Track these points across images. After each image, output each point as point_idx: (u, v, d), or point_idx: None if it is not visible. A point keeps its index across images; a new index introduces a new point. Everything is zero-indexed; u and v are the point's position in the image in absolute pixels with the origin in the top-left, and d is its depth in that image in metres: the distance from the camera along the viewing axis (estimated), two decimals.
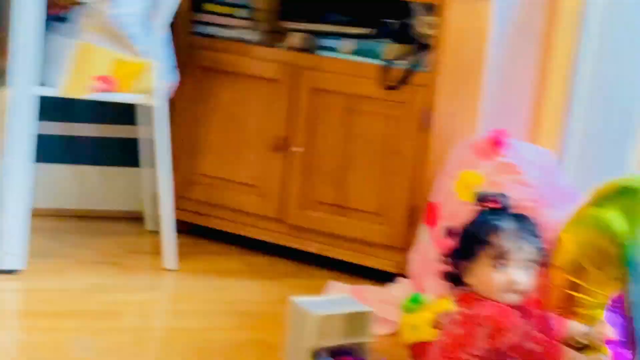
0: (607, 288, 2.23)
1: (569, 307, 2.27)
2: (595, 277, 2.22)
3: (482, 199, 2.18)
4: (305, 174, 3.21)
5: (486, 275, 2.08)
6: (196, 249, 3.37)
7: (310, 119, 3.18)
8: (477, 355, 2.05)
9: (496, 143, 2.72)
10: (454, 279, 2.18)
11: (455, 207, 2.73)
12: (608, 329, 2.15)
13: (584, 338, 2.14)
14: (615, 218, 2.10)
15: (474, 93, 3.19)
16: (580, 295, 2.24)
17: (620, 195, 2.13)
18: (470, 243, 2.11)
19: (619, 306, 2.30)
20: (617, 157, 3.34)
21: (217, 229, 3.41)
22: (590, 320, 2.22)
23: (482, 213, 2.16)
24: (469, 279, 2.12)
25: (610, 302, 2.27)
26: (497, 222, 2.09)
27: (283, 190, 3.26)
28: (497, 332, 2.02)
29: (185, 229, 3.45)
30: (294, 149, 3.20)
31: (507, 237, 2.07)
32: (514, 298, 2.08)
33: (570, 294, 2.27)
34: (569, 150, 3.27)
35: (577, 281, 2.23)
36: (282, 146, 3.22)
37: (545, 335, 2.13)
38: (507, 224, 2.09)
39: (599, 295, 2.24)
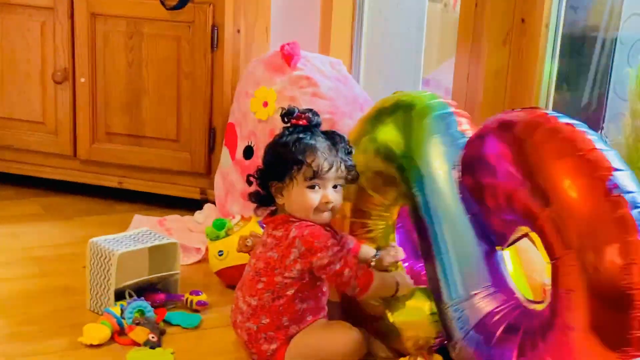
0: (391, 209, 2.24)
1: (359, 233, 2.28)
2: (377, 200, 2.22)
3: (289, 114, 2.09)
4: (94, 105, 3.05)
5: (300, 195, 2.04)
6: None
7: (93, 47, 3.00)
8: (290, 277, 2.02)
9: (289, 57, 2.66)
10: (262, 199, 2.12)
11: (254, 126, 2.67)
12: (397, 250, 2.18)
13: (374, 261, 2.17)
14: (391, 138, 2.10)
15: (262, 8, 3.10)
16: (366, 220, 2.25)
17: (396, 110, 2.12)
18: (283, 162, 2.04)
19: (406, 223, 2.33)
20: (406, 65, 3.40)
21: (5, 172, 3.20)
22: (381, 242, 2.24)
23: (291, 131, 2.07)
24: (281, 199, 2.07)
25: (397, 222, 2.29)
26: (311, 142, 2.03)
27: (72, 124, 3.08)
28: (309, 252, 1.99)
29: None
30: (80, 79, 3.02)
31: (321, 156, 2.02)
32: (326, 217, 2.06)
33: (357, 221, 2.29)
34: (359, 60, 3.28)
35: (362, 207, 2.23)
36: (66, 78, 3.03)
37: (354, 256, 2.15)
38: (321, 143, 2.04)
39: (384, 217, 2.25)
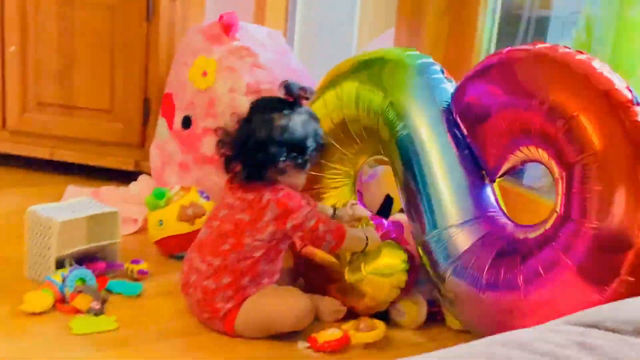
0: (353, 164, 2.28)
1: (314, 187, 2.31)
2: (340, 155, 2.25)
3: (295, 89, 2.10)
4: (24, 74, 2.99)
5: (298, 176, 2.10)
6: None
7: (23, 14, 2.94)
8: (260, 239, 2.04)
9: (227, 27, 2.65)
10: (253, 171, 2.07)
11: (192, 96, 2.65)
12: (355, 208, 2.22)
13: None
14: (370, 87, 2.14)
15: None
16: (326, 174, 2.28)
17: (363, 68, 2.15)
18: (305, 143, 2.07)
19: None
20: (340, 39, 3.42)
21: None
22: (341, 198, 2.28)
23: (298, 108, 2.09)
24: (281, 177, 2.07)
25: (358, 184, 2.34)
26: (318, 124, 2.12)
27: (1, 94, 3.01)
28: (283, 214, 2.02)
29: None
30: (9, 48, 2.95)
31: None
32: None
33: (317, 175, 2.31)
34: (294, 31, 3.29)
35: (323, 161, 2.26)
36: None
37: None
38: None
39: (345, 172, 2.28)
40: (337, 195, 2.30)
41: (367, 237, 2.12)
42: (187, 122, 2.68)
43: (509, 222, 1.99)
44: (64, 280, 2.16)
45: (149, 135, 2.95)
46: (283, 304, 2.07)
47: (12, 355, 1.90)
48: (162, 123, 2.80)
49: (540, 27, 2.57)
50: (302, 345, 2.05)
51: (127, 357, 1.95)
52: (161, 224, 2.45)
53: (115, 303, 2.18)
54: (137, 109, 2.95)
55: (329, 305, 2.18)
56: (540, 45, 1.90)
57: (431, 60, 2.14)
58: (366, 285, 2.14)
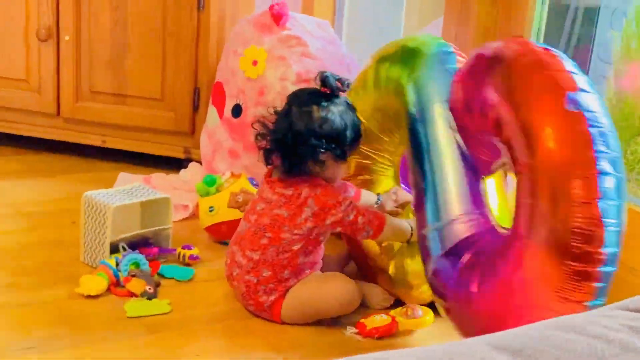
0: (396, 153, 2.30)
1: (361, 175, 2.33)
2: (383, 143, 2.27)
3: (330, 81, 2.08)
4: (78, 63, 3.05)
5: (338, 168, 2.11)
6: None
7: (78, 4, 3.00)
8: (298, 234, 2.06)
9: (278, 17, 2.69)
10: (293, 167, 2.08)
11: (242, 84, 2.69)
12: (399, 194, 2.24)
13: (376, 207, 2.25)
14: (398, 74, 2.14)
15: None
16: (369, 161, 2.30)
17: (402, 54, 2.16)
18: (344, 136, 2.07)
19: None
20: (387, 29, 3.43)
21: None
22: (382, 187, 2.30)
23: (337, 100, 2.09)
24: (320, 167, 2.07)
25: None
26: (359, 120, 2.11)
27: (56, 82, 3.08)
28: (322, 211, 2.04)
29: None
30: (64, 37, 3.02)
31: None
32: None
33: (361, 162, 2.33)
34: (342, 21, 3.31)
35: (366, 148, 2.28)
36: (50, 35, 3.03)
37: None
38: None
39: (388, 160, 2.30)
40: (382, 181, 2.32)
41: (412, 227, 2.13)
42: (237, 110, 2.72)
43: (494, 220, 1.94)
44: (118, 265, 2.22)
45: (199, 123, 3.00)
46: (327, 289, 2.09)
47: (69, 337, 1.96)
48: (212, 111, 2.84)
49: (589, 17, 2.56)
50: (349, 330, 2.07)
51: (180, 339, 2.00)
52: (212, 210, 2.49)
53: (167, 287, 2.23)
54: (188, 97, 3.00)
55: (378, 293, 2.20)
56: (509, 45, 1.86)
57: (452, 49, 2.11)
58: (412, 279, 2.15)
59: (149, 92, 3.03)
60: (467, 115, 1.92)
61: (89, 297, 2.13)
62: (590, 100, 1.71)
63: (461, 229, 1.91)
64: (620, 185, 1.68)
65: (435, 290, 1.94)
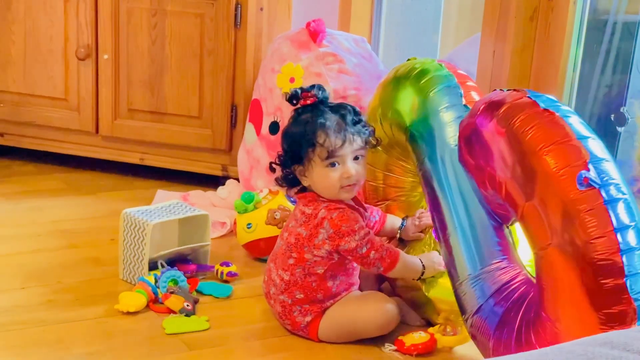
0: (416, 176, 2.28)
1: (385, 200, 2.33)
2: (403, 168, 2.26)
3: (295, 97, 2.09)
4: (116, 81, 3.07)
5: (321, 176, 2.04)
6: (8, 171, 3.20)
7: (116, 23, 3.02)
8: (319, 255, 2.05)
9: (315, 34, 2.70)
10: (290, 182, 2.13)
11: (280, 102, 2.70)
12: (422, 218, 2.21)
13: (399, 233, 2.24)
14: (402, 108, 2.12)
15: None
16: (393, 187, 2.29)
17: (414, 76, 2.13)
18: (298, 146, 2.04)
19: None
20: (424, 45, 3.43)
21: (29, 148, 3.23)
22: (408, 210, 2.28)
23: (301, 111, 2.08)
24: (306, 181, 2.09)
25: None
26: (320, 121, 2.02)
27: (94, 101, 3.11)
28: (336, 236, 2.02)
29: None
30: (102, 56, 3.05)
31: (332, 134, 2.01)
32: (350, 194, 2.07)
33: (384, 187, 2.33)
34: (378, 37, 3.31)
35: (388, 173, 2.27)
36: (89, 54, 3.06)
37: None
38: (329, 120, 2.03)
39: (410, 183, 2.29)
40: (410, 204, 2.30)
41: (423, 265, 2.09)
42: (274, 128, 2.73)
43: (524, 267, 1.92)
44: (156, 281, 2.23)
45: (236, 140, 3.01)
46: (366, 310, 2.07)
47: (109, 353, 1.97)
48: (249, 128, 2.85)
49: (627, 32, 2.54)
50: (388, 348, 2.06)
51: (218, 356, 2.00)
52: (249, 227, 2.50)
53: (205, 304, 2.24)
54: (225, 115, 3.01)
55: (414, 318, 2.18)
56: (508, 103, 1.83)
57: (456, 81, 2.08)
58: (440, 304, 2.13)
59: (186, 110, 3.04)
60: (480, 185, 1.91)
61: (128, 313, 2.14)
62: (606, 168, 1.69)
63: (496, 277, 1.89)
64: None
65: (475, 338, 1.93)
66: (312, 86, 2.10)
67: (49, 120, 3.16)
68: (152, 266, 2.30)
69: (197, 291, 2.29)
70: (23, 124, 3.19)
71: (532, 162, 1.72)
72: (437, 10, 3.40)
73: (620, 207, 1.65)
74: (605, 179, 1.67)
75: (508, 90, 1.88)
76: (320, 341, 2.08)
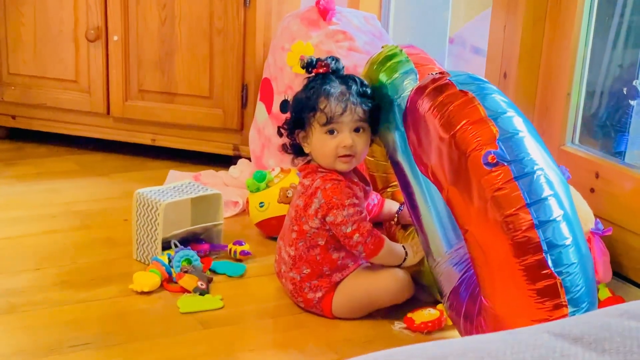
0: None
1: (387, 188, 2.35)
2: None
3: (310, 65, 2.11)
4: (126, 63, 3.07)
5: (319, 141, 2.06)
6: (21, 153, 3.21)
7: (126, 5, 3.02)
8: (314, 227, 2.06)
9: (325, 11, 2.69)
10: (295, 150, 2.15)
11: (290, 80, 2.69)
12: None
13: (396, 217, 2.28)
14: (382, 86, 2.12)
15: None
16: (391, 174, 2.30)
17: (385, 61, 2.13)
18: (301, 111, 2.07)
19: None
20: (434, 22, 3.41)
21: (41, 130, 3.24)
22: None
23: (312, 79, 2.10)
24: (307, 148, 2.10)
25: None
26: (326, 87, 2.04)
27: (105, 82, 3.11)
28: (326, 206, 2.03)
29: (3, 135, 3.28)
30: (112, 37, 3.05)
31: (334, 100, 2.03)
32: (347, 165, 2.07)
33: (386, 175, 2.35)
34: (388, 15, 3.29)
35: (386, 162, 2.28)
36: (99, 36, 3.06)
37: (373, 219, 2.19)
38: (334, 88, 2.04)
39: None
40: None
41: (406, 252, 2.10)
42: (285, 106, 2.72)
43: None
44: (170, 261, 2.23)
45: (247, 120, 3.01)
46: (378, 279, 2.08)
47: (124, 333, 1.98)
48: (260, 107, 2.85)
49: (639, 5, 2.52)
50: (398, 326, 2.06)
51: (233, 334, 2.01)
52: (262, 206, 2.50)
53: (219, 283, 2.24)
54: (236, 94, 3.01)
55: (426, 294, 2.18)
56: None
57: (413, 67, 2.08)
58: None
59: (197, 90, 3.04)
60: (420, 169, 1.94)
61: (143, 293, 2.15)
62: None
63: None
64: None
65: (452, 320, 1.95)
66: (329, 57, 2.12)
67: (60, 103, 3.17)
68: (166, 246, 2.31)
69: (211, 270, 2.30)
70: (34, 107, 3.19)
71: (447, 144, 1.73)
72: None
73: (532, 182, 1.65)
74: (516, 154, 1.67)
75: (435, 73, 1.89)
76: (334, 317, 2.09)
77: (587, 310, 1.64)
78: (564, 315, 1.62)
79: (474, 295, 1.82)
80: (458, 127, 1.72)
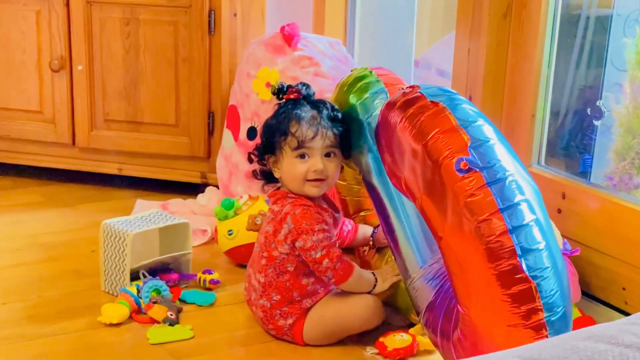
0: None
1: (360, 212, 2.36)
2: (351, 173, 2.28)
3: (281, 91, 2.12)
4: (91, 92, 3.05)
5: (289, 166, 2.06)
6: None
7: (90, 34, 3.01)
8: (284, 252, 2.05)
9: (290, 38, 2.69)
10: (265, 176, 2.15)
11: (256, 107, 2.69)
12: None
13: (372, 239, 2.29)
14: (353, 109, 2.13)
15: None
16: (367, 197, 2.30)
17: (355, 82, 2.15)
18: (272, 135, 2.07)
19: None
20: (399, 46, 3.43)
21: (4, 162, 3.20)
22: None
23: (283, 105, 2.11)
24: (277, 173, 2.10)
25: None
26: (296, 111, 2.05)
27: (70, 112, 3.08)
28: (295, 231, 2.02)
29: None
30: (77, 67, 3.03)
31: (305, 124, 2.03)
32: (317, 190, 2.07)
33: (358, 200, 2.35)
34: (353, 40, 3.30)
35: (358, 186, 2.29)
36: (63, 66, 3.04)
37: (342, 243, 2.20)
38: (305, 112, 2.05)
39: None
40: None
41: (376, 279, 2.09)
42: (252, 133, 2.72)
43: None
44: (139, 292, 2.21)
45: (214, 147, 3.00)
46: (349, 304, 2.07)
47: None
48: (227, 134, 2.84)
49: (601, 26, 2.55)
50: (370, 351, 2.05)
51: None
52: (231, 234, 2.49)
53: (189, 313, 2.23)
54: (202, 122, 3.00)
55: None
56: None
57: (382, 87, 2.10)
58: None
59: (163, 119, 3.03)
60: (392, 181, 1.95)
61: (111, 325, 2.12)
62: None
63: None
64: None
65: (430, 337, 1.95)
66: (300, 83, 2.14)
67: (24, 134, 3.14)
68: (134, 276, 2.28)
69: (180, 300, 2.28)
70: None
71: (420, 154, 1.75)
72: (410, 11, 3.41)
73: (504, 187, 1.67)
74: (487, 161, 1.69)
75: (405, 88, 1.91)
76: (306, 344, 2.08)
77: (562, 315, 1.65)
78: (540, 320, 1.62)
79: (449, 310, 1.82)
80: (430, 136, 1.74)
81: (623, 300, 2.14)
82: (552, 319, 1.63)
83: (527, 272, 1.62)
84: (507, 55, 2.42)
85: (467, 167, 1.67)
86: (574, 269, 2.13)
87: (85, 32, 3.00)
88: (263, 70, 2.69)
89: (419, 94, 1.83)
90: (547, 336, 1.63)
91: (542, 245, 1.65)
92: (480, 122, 1.76)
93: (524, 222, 1.65)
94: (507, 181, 1.67)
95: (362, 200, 2.36)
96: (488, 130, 1.75)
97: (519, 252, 1.62)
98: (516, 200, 1.66)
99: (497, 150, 1.72)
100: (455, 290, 1.74)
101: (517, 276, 1.62)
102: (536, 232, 1.65)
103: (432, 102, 1.79)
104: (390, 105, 1.89)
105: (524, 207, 1.66)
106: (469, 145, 1.70)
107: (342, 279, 2.03)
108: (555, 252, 1.68)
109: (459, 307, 1.74)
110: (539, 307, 1.63)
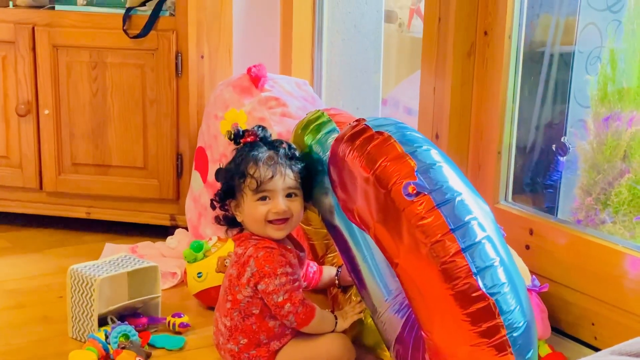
0: None
1: (328, 254, 2.36)
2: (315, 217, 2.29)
3: (238, 136, 2.12)
4: (58, 136, 3.04)
5: (250, 208, 2.05)
6: None
7: (56, 78, 3.00)
8: (248, 296, 2.04)
9: (257, 79, 2.70)
10: (228, 221, 2.14)
11: (225, 148, 2.69)
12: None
13: (337, 278, 2.30)
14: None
15: (225, 33, 3.13)
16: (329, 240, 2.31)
17: (309, 124, 2.20)
18: (231, 179, 2.07)
19: None
20: (366, 86, 3.46)
21: None
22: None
23: (241, 149, 2.10)
24: (239, 217, 2.09)
25: None
26: (254, 153, 2.05)
27: (37, 157, 3.06)
28: (257, 274, 2.01)
29: None
30: (43, 111, 3.01)
31: (263, 165, 2.03)
32: (279, 232, 2.06)
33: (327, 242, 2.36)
34: (320, 81, 3.33)
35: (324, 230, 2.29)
36: (29, 110, 3.02)
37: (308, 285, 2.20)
38: (262, 153, 2.05)
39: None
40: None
41: (336, 320, 2.10)
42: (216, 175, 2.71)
43: None
44: (107, 337, 2.19)
45: (183, 189, 2.99)
46: (318, 345, 2.06)
47: None
48: (196, 176, 2.83)
49: (564, 62, 2.58)
50: None
51: None
52: (200, 276, 2.47)
53: (158, 358, 2.20)
54: (171, 164, 2.99)
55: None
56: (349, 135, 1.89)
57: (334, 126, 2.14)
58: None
59: (131, 161, 3.02)
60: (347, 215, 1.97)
61: None
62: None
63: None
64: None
65: None
66: (256, 126, 2.13)
67: None
68: (102, 322, 2.26)
69: (150, 345, 2.25)
70: None
71: (369, 183, 1.78)
72: (377, 51, 3.44)
73: (454, 207, 1.69)
74: (434, 183, 1.71)
75: (352, 122, 1.94)
76: None
77: (525, 330, 1.66)
78: (502, 337, 1.62)
79: (416, 338, 1.82)
80: (378, 164, 1.77)
81: (592, 336, 2.14)
82: (515, 334, 1.64)
83: (484, 289, 1.63)
84: (472, 93, 2.44)
85: (415, 191, 1.70)
86: (544, 305, 2.13)
87: (52, 76, 3.00)
88: (230, 111, 2.69)
89: (364, 125, 1.87)
90: (511, 354, 1.63)
91: (496, 262, 1.66)
92: (426, 146, 1.80)
93: (476, 240, 1.67)
94: (456, 201, 1.70)
95: (329, 243, 2.36)
96: (434, 154, 1.79)
97: (473, 270, 1.64)
98: (467, 219, 1.68)
99: (445, 172, 1.75)
100: (416, 315, 1.75)
101: (474, 294, 1.63)
102: (489, 249, 1.67)
103: (377, 132, 1.83)
104: (338, 140, 1.92)
105: (474, 224, 1.68)
106: (415, 169, 1.73)
107: (304, 322, 2.03)
108: (511, 267, 1.70)
109: (422, 332, 1.74)
110: (500, 324, 1.63)
